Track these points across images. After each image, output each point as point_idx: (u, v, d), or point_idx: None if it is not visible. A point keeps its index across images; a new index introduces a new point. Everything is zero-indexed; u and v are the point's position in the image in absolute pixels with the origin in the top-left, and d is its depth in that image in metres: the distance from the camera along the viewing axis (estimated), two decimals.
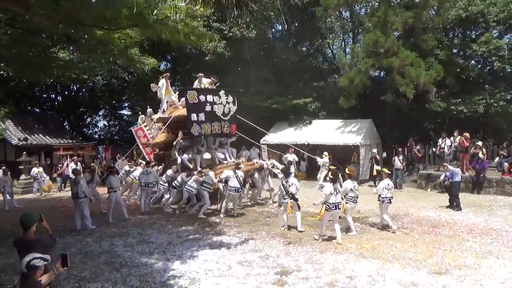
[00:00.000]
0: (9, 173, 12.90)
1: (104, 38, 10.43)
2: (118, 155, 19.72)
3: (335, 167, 10.26)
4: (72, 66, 13.24)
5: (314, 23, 21.30)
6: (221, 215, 10.47)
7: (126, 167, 13.87)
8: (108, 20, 8.62)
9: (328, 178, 9.18)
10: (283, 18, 19.52)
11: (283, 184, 9.00)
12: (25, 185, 16.31)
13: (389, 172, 9.58)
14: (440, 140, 15.32)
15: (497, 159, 14.68)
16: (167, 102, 13.88)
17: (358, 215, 10.17)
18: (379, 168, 14.12)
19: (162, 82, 13.26)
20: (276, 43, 22.41)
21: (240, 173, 10.43)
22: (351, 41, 24.47)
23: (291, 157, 14.79)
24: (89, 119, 31.86)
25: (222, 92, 12.47)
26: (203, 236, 8.44)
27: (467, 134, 14.31)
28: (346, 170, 8.90)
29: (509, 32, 19.23)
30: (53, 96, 28.78)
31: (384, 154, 19.12)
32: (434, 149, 16.05)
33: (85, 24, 8.67)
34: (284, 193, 8.91)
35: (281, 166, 11.98)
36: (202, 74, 13.12)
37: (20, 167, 16.54)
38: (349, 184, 8.47)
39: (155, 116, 14.06)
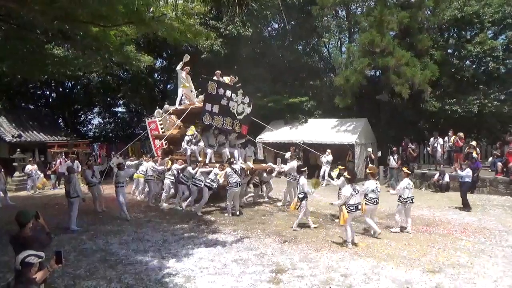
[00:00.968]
0: (2, 170, 12.82)
1: (100, 35, 10.33)
2: (113, 152, 19.66)
3: (343, 167, 9.75)
4: (67, 62, 13.14)
5: (310, 22, 21.36)
6: (226, 215, 10.29)
7: (128, 163, 13.64)
8: (103, 17, 8.54)
9: (343, 178, 8.90)
10: (284, 17, 19.54)
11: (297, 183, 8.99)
12: (19, 182, 16.19)
13: (409, 172, 8.99)
14: (432, 139, 15.40)
15: (490, 159, 14.80)
16: (183, 95, 13.62)
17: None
18: (373, 167, 14.16)
19: (183, 75, 13.09)
20: (272, 41, 22.42)
21: (237, 167, 10.35)
22: (347, 40, 24.57)
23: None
24: (83, 116, 31.69)
25: (240, 91, 12.70)
26: (198, 234, 8.43)
27: (461, 134, 14.42)
28: (368, 170, 8.65)
29: (504, 33, 19.35)
30: (48, 92, 28.61)
31: (379, 153, 19.21)
32: (428, 149, 16.16)
33: (81, 21, 8.60)
34: (298, 191, 8.89)
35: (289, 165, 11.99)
36: (220, 72, 13.10)
37: (14, 164, 16.41)
38: (371, 184, 8.09)
39: (171, 108, 14.12)
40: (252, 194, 12.43)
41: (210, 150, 11.88)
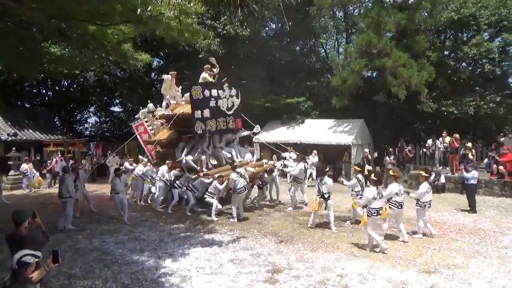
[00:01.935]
0: None
1: (97, 34, 10.32)
2: (109, 151, 19.58)
3: (357, 166, 9.62)
4: (64, 61, 13.02)
5: (307, 22, 21.35)
6: (231, 220, 9.85)
7: (126, 164, 13.39)
8: (101, 15, 8.54)
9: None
10: (284, 18, 19.53)
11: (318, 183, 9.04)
12: (14, 181, 16.11)
13: (427, 175, 8.47)
14: (430, 141, 15.45)
15: (486, 160, 14.88)
16: (168, 98, 13.18)
17: (349, 214, 10.19)
18: (370, 168, 14.19)
19: (168, 77, 12.71)
20: (269, 41, 22.41)
21: (241, 170, 10.04)
22: (344, 41, 24.63)
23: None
24: (80, 115, 31.51)
25: (225, 85, 12.05)
26: (194, 234, 8.43)
27: (457, 135, 14.48)
28: (391, 172, 8.36)
29: (500, 35, 19.50)
30: (44, 91, 28.42)
31: (376, 154, 19.27)
32: (424, 150, 16.22)
33: (78, 19, 8.58)
34: (317, 190, 8.92)
35: (293, 165, 11.97)
36: (208, 66, 12.63)
37: (9, 162, 16.33)
38: (395, 187, 7.79)
39: (157, 112, 13.57)
40: (257, 197, 12.06)
41: (204, 157, 11.50)
